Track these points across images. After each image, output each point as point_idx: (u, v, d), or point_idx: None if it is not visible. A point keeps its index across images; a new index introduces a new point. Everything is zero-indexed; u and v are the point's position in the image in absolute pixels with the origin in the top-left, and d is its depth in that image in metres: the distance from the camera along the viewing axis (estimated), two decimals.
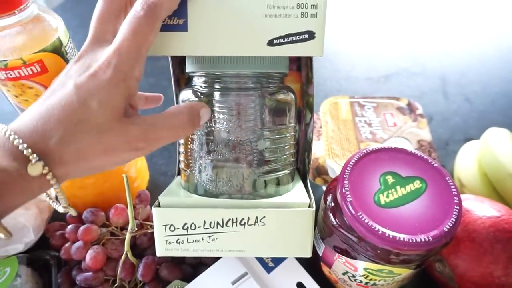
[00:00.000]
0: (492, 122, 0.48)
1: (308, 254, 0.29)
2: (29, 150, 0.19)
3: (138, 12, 0.21)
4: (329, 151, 0.41)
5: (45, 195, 0.36)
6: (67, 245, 0.34)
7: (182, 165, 0.32)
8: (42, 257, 0.35)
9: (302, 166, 0.36)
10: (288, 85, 0.33)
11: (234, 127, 0.29)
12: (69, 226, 0.34)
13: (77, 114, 0.20)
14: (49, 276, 0.35)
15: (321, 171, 0.42)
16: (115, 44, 0.21)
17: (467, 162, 0.42)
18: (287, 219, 0.28)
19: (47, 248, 0.37)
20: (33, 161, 0.19)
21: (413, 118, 0.42)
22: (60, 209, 0.24)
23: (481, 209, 0.32)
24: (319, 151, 0.44)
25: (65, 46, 0.28)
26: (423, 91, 0.56)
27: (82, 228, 0.33)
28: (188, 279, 0.33)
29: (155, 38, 0.22)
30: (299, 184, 0.32)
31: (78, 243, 0.33)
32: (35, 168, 0.19)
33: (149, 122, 0.22)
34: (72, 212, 0.24)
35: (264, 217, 0.28)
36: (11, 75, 0.26)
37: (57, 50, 0.27)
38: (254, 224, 0.28)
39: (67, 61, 0.28)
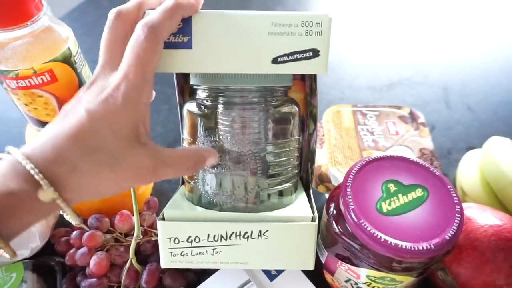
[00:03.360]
0: (494, 131, 0.48)
1: (310, 267, 0.29)
2: (41, 175, 0.19)
3: (140, 36, 0.21)
4: (332, 159, 0.41)
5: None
6: (72, 251, 0.35)
7: (186, 177, 0.32)
8: (47, 263, 0.36)
9: (305, 175, 0.36)
10: (292, 97, 0.33)
11: (238, 140, 0.29)
12: (74, 232, 0.35)
13: (89, 141, 0.20)
14: (54, 281, 0.35)
15: (323, 179, 0.43)
16: (121, 70, 0.21)
17: (469, 171, 0.43)
18: (290, 232, 0.28)
19: (52, 254, 0.37)
20: (44, 187, 0.19)
21: (415, 127, 0.42)
22: (73, 223, 0.24)
23: (483, 217, 0.32)
24: (321, 159, 0.44)
25: (74, 56, 0.28)
26: (425, 100, 0.57)
27: (86, 234, 0.34)
28: (192, 286, 0.33)
29: (159, 60, 0.22)
30: (302, 195, 0.33)
31: (83, 249, 0.34)
32: (46, 194, 0.19)
33: (160, 158, 0.23)
34: (84, 227, 0.24)
35: (267, 230, 0.28)
36: (22, 84, 0.26)
37: (67, 60, 0.28)
38: (258, 238, 0.28)
39: (76, 71, 0.29)
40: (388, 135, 0.42)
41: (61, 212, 0.22)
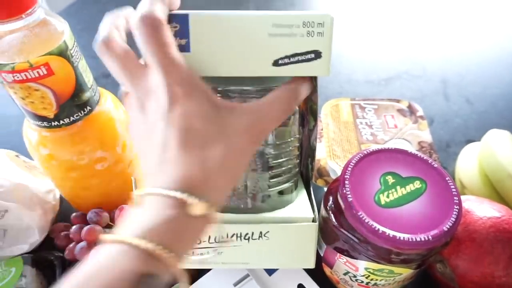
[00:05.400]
0: (492, 124, 0.48)
1: (311, 265, 0.30)
2: (186, 194, 0.19)
3: (144, 35, 0.21)
4: (330, 152, 0.41)
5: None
6: (71, 245, 0.35)
7: None
8: (47, 258, 0.36)
9: (305, 171, 0.36)
10: None
11: None
12: (74, 227, 0.35)
13: (193, 141, 0.20)
14: (53, 276, 0.35)
15: (322, 173, 0.43)
16: (158, 66, 0.21)
17: (468, 164, 0.43)
18: (291, 233, 0.28)
19: (52, 249, 0.37)
20: (194, 202, 0.19)
21: (413, 120, 0.42)
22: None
23: (481, 209, 0.32)
24: (320, 153, 0.44)
25: (71, 50, 0.28)
26: (424, 94, 0.57)
27: (85, 228, 0.34)
28: (192, 281, 0.33)
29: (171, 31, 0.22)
30: (303, 194, 0.32)
31: (82, 244, 0.34)
32: (198, 208, 0.20)
33: (255, 110, 0.22)
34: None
35: (268, 231, 0.28)
36: (18, 77, 0.26)
37: (63, 53, 0.27)
38: (258, 239, 0.28)
39: (72, 64, 0.28)
40: (386, 128, 0.42)
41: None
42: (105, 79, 0.57)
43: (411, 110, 0.43)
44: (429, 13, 0.73)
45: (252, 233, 0.28)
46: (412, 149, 0.40)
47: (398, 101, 0.44)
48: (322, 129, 0.44)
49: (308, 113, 0.34)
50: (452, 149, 0.49)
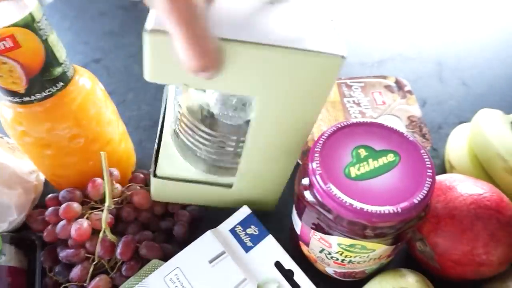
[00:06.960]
0: (488, 105, 0.46)
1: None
2: None
3: None
4: (319, 133, 0.40)
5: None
6: (49, 227, 0.34)
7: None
8: (29, 237, 0.36)
9: None
10: None
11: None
12: (49, 209, 0.35)
13: None
14: (34, 255, 0.35)
15: None
16: None
17: (458, 144, 0.41)
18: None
19: None
20: None
21: (401, 95, 0.41)
22: None
23: (463, 186, 0.31)
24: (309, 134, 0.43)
25: (38, 22, 0.28)
26: (418, 76, 0.55)
27: (63, 206, 0.33)
28: (168, 258, 0.33)
29: None
30: None
31: (62, 222, 0.33)
32: None
33: None
34: None
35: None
36: None
37: (29, 25, 0.27)
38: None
39: (40, 37, 0.28)
40: (375, 106, 0.41)
41: None
42: (96, 64, 0.57)
43: (399, 86, 0.42)
44: None
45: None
46: (402, 124, 0.39)
47: (384, 77, 0.43)
48: None
49: None
50: (444, 130, 0.47)
